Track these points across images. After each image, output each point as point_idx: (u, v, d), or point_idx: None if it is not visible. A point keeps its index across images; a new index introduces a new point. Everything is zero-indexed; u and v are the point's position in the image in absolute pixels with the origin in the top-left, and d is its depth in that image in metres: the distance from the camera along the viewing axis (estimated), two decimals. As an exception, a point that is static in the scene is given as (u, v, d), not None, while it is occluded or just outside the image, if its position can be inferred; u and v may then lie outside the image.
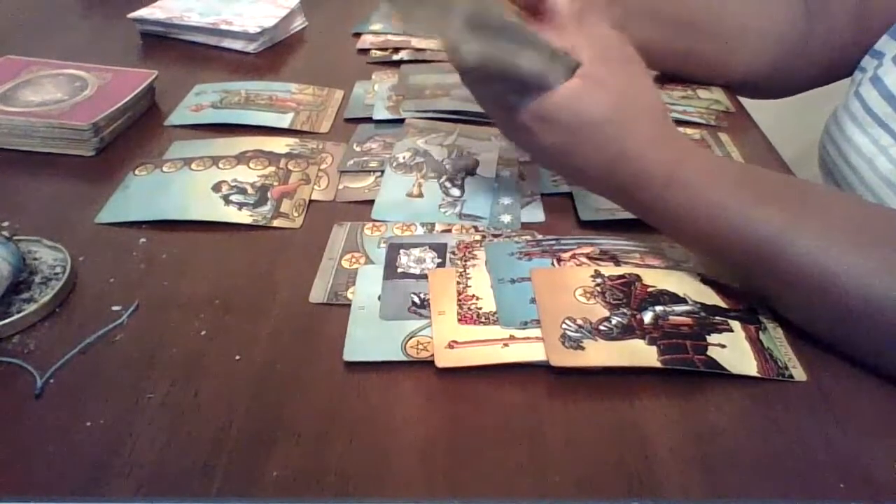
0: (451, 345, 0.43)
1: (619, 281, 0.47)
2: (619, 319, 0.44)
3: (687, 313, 0.45)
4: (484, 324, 0.44)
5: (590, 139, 0.45)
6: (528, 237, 0.53)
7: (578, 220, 0.55)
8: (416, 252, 0.51)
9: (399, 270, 0.49)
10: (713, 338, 0.44)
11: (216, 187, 0.57)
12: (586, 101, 0.45)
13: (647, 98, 0.48)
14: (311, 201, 0.57)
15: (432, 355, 0.42)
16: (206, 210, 0.55)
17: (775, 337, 0.45)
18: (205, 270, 0.50)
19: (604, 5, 0.49)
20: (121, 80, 0.69)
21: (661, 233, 0.49)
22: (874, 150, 0.59)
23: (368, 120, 0.69)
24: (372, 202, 0.57)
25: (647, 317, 0.45)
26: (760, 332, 0.45)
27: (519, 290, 0.47)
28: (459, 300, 0.46)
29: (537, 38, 0.45)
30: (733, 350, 0.43)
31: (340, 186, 0.59)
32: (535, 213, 0.56)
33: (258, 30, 0.83)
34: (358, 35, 0.88)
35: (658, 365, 0.42)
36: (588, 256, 0.50)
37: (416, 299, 0.47)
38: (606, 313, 0.45)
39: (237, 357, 0.43)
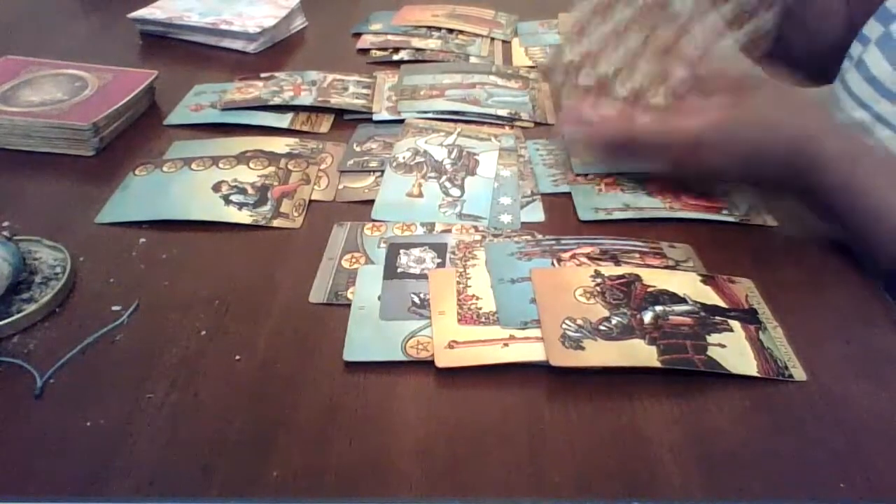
0: (451, 345, 0.43)
1: (618, 281, 0.47)
2: (619, 319, 0.44)
3: (687, 313, 0.45)
4: (484, 324, 0.44)
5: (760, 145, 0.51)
6: (528, 237, 0.53)
7: (578, 220, 0.55)
8: (416, 252, 0.51)
9: (399, 270, 0.49)
10: (713, 338, 0.44)
11: (216, 187, 0.57)
12: (741, 114, 0.51)
13: (804, 100, 0.53)
14: (311, 201, 0.57)
15: (432, 355, 0.42)
16: (206, 210, 0.55)
17: (775, 337, 0.45)
18: (205, 270, 0.50)
19: None
20: (121, 80, 0.69)
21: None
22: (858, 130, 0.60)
23: (368, 120, 0.69)
24: (372, 202, 0.57)
25: (647, 317, 0.45)
26: (760, 332, 0.45)
27: (519, 290, 0.47)
28: (459, 300, 0.46)
29: None
30: (733, 350, 0.43)
31: (340, 186, 0.59)
32: (535, 213, 0.56)
33: (258, 30, 0.83)
34: (358, 35, 0.88)
35: (658, 365, 0.42)
36: (588, 256, 0.50)
37: (416, 299, 0.46)
38: (606, 313, 0.45)
39: (237, 357, 0.43)
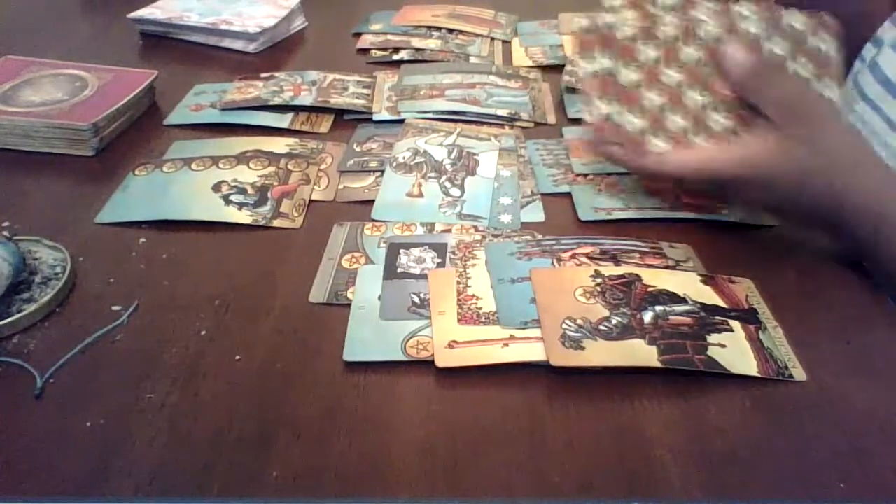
0: (451, 345, 0.43)
1: (618, 281, 0.47)
2: (619, 319, 0.44)
3: (687, 313, 0.45)
4: (484, 324, 0.44)
5: (797, 188, 0.48)
6: (528, 237, 0.53)
7: (578, 220, 0.55)
8: (416, 252, 0.51)
9: (399, 270, 0.49)
10: (713, 338, 0.44)
11: (216, 187, 0.57)
12: (781, 157, 0.47)
13: (846, 145, 0.49)
14: (311, 201, 0.57)
15: (432, 355, 0.42)
16: (206, 210, 0.55)
17: (775, 337, 0.45)
18: (205, 270, 0.50)
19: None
20: (121, 80, 0.69)
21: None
22: (868, 134, 0.59)
23: (368, 120, 0.69)
24: (372, 202, 0.57)
25: (647, 317, 0.45)
26: (760, 332, 0.45)
27: (519, 290, 0.47)
28: (459, 300, 0.46)
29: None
30: (733, 350, 0.43)
31: (340, 186, 0.59)
32: (535, 213, 0.56)
33: (258, 30, 0.83)
34: (358, 35, 0.88)
35: (658, 365, 0.42)
36: (588, 256, 0.50)
37: (416, 299, 0.46)
38: (606, 313, 0.45)
39: (237, 357, 0.43)
